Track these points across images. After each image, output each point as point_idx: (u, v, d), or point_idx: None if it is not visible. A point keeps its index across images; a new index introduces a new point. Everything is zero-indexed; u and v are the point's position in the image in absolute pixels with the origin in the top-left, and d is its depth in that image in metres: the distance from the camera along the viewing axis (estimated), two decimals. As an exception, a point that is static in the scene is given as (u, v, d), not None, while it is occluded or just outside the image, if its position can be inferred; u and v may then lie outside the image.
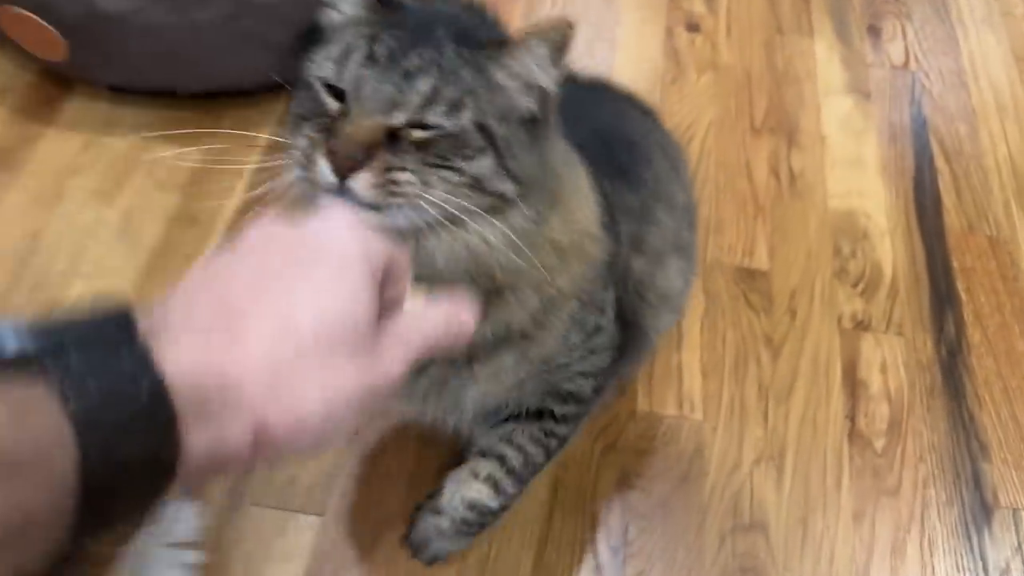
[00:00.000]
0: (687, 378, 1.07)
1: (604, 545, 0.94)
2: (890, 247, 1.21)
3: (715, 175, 1.27)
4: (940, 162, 1.31)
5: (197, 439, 0.34)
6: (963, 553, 0.94)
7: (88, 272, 1.14)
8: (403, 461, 0.98)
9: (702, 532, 0.95)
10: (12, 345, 0.33)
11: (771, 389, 1.06)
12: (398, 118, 0.55)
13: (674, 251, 0.86)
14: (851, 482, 0.99)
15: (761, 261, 1.19)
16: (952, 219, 1.24)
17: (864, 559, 0.94)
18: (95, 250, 1.17)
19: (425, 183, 0.56)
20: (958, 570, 0.93)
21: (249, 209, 1.21)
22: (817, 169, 1.29)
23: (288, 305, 0.37)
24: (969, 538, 0.95)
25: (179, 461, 0.34)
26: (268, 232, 0.41)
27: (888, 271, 1.18)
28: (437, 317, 0.44)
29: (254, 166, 1.31)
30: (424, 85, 0.56)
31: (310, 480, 0.97)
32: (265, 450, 0.36)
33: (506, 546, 0.93)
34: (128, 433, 0.32)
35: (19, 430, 0.29)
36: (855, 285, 1.17)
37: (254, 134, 1.27)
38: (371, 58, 0.56)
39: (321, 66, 0.58)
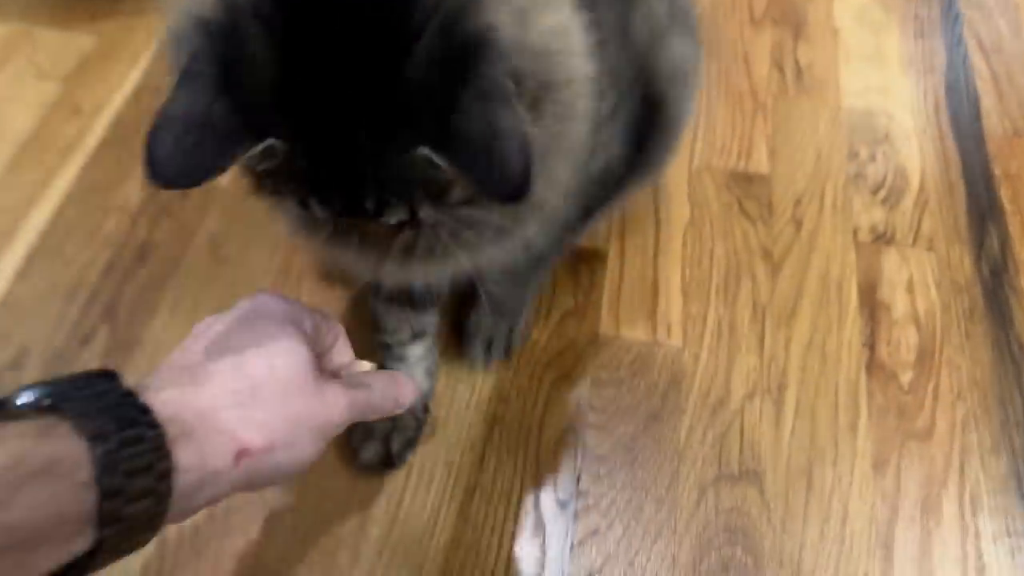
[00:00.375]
0: (664, 297, 0.86)
1: (549, 497, 0.73)
2: (917, 151, 0.99)
3: (706, 68, 1.06)
4: (977, 60, 1.10)
5: (186, 455, 0.40)
6: (1015, 514, 0.72)
7: (-63, 165, 0.94)
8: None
9: (676, 482, 0.74)
10: (24, 398, 0.39)
11: (769, 310, 0.85)
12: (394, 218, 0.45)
13: (672, 23, 0.66)
14: (870, 423, 0.78)
15: (760, 164, 0.97)
16: (993, 122, 1.03)
17: (886, 518, 0.72)
18: (-51, 142, 0.97)
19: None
20: (1008, 534, 0.72)
21: (142, 98, 1.00)
22: (829, 64, 1.08)
23: (240, 357, 0.45)
24: (1022, 495, 0.74)
25: (173, 472, 0.39)
26: (211, 319, 0.49)
27: (915, 178, 0.97)
28: (379, 389, 0.53)
29: (152, 52, 1.11)
30: (396, 211, 0.43)
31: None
32: (247, 466, 0.43)
33: (422, 495, 0.72)
34: (128, 448, 0.38)
35: (46, 446, 0.36)
36: (875, 192, 0.95)
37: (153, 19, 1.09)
38: (328, 223, 0.49)
39: (280, 187, 0.44)
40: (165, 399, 0.41)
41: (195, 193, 0.92)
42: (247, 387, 0.44)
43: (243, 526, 0.70)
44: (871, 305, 0.86)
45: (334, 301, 0.84)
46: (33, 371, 0.78)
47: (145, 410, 0.39)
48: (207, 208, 0.90)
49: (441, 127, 0.38)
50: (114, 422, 0.38)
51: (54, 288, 0.84)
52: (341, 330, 0.54)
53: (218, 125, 0.37)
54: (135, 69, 1.04)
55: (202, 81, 0.37)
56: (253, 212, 0.90)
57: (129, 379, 0.76)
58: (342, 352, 0.54)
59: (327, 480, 0.73)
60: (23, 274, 0.85)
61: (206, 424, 0.42)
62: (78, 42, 1.07)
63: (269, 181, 0.43)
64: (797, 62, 1.08)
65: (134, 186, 0.92)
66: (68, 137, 0.97)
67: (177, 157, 0.37)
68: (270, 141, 0.39)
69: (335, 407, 0.48)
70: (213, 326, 0.48)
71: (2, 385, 0.77)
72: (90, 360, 0.79)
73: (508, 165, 0.38)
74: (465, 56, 0.38)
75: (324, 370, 0.51)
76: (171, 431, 0.39)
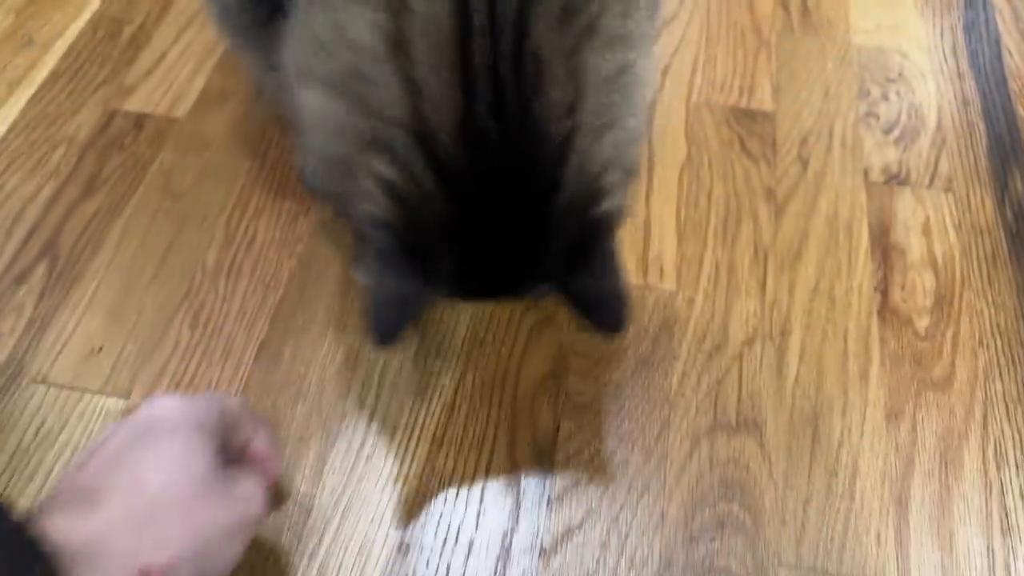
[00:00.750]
0: (657, 238, 0.79)
1: (525, 447, 0.65)
2: (934, 90, 0.92)
3: (706, 3, 0.99)
4: (997, -2, 1.02)
5: None
6: (1044, 469, 0.66)
7: None
8: (251, 331, 0.71)
9: (667, 432, 0.66)
10: None
11: (772, 253, 0.77)
12: None
13: None
14: (883, 371, 0.70)
15: (763, 101, 0.90)
16: (1016, 62, 0.95)
17: (901, 472, 0.65)
18: None
19: None
20: (1038, 492, 0.65)
21: (98, 28, 0.93)
22: (837, 2, 1.00)
23: (133, 475, 0.44)
24: (1051, 450, 0.67)
25: None
26: (110, 429, 0.48)
27: (931, 118, 0.89)
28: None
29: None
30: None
31: (118, 353, 0.69)
32: None
33: (383, 445, 0.65)
34: None
35: None
36: (888, 132, 0.88)
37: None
38: None
39: None
40: (59, 525, 0.41)
41: (149, 126, 0.84)
42: (143, 505, 0.43)
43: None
44: (883, 248, 0.78)
45: (296, 239, 0.77)
46: (-37, 310, 0.71)
47: (36, 542, 0.39)
48: (162, 142, 0.83)
49: (568, 283, 0.51)
50: (4, 557, 0.37)
51: (-9, 223, 0.77)
52: (243, 406, 0.54)
53: (413, 297, 0.51)
54: None
55: (396, 273, 0.50)
56: (211, 145, 0.83)
57: (67, 318, 0.69)
58: (243, 426, 0.53)
59: (277, 427, 0.66)
60: (-42, 209, 0.79)
61: (102, 548, 0.41)
62: (34, -27, 1.01)
63: None
64: (803, 0, 1.00)
65: (85, 118, 0.85)
66: (17, 68, 0.90)
67: (391, 323, 0.51)
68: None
69: (251, 502, 0.48)
70: (109, 440, 0.47)
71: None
72: (26, 299, 0.72)
73: (612, 317, 0.52)
74: (591, 236, 0.49)
75: (242, 459, 0.52)
76: (65, 559, 0.39)
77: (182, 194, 0.80)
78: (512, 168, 0.45)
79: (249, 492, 0.48)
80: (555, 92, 0.44)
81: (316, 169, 0.55)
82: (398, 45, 0.43)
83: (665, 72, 0.92)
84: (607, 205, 0.49)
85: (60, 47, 0.92)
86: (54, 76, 0.89)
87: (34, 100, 0.87)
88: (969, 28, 0.99)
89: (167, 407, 0.48)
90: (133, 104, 0.87)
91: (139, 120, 0.85)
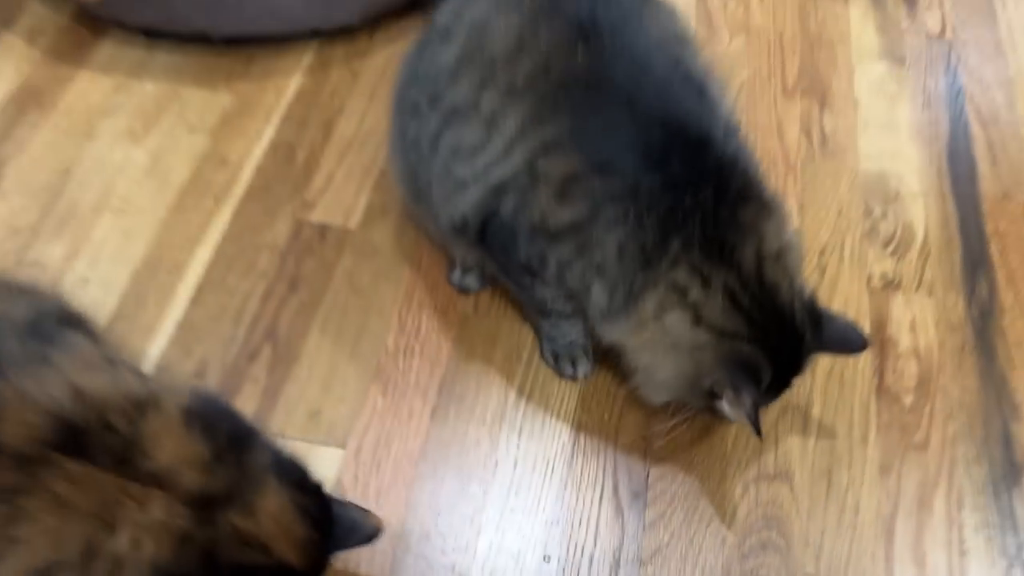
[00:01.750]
0: (713, 330, 1.06)
1: (625, 488, 0.93)
2: (923, 209, 1.19)
3: (745, 134, 1.26)
4: (976, 129, 1.29)
5: None
6: (992, 510, 0.92)
7: (117, 207, 1.15)
8: (425, 398, 0.98)
9: (725, 479, 0.94)
10: None
11: (798, 343, 1.05)
12: None
13: None
14: (878, 436, 0.98)
15: (791, 219, 1.17)
16: (987, 185, 1.22)
17: (889, 511, 0.92)
18: (124, 186, 1.17)
19: None
20: (986, 526, 0.91)
21: (278, 151, 1.21)
22: (849, 131, 1.28)
23: None
24: (997, 496, 0.94)
25: None
26: None
27: (920, 233, 1.17)
28: None
29: (282, 111, 1.32)
30: None
31: (332, 414, 0.97)
32: None
33: (526, 483, 0.93)
34: None
35: None
36: (886, 245, 1.15)
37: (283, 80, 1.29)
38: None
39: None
40: None
41: (331, 235, 1.12)
42: None
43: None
44: (880, 341, 1.06)
45: (449, 326, 1.04)
46: (213, 379, 0.99)
47: None
48: (343, 248, 1.11)
49: (824, 341, 0.87)
50: None
51: (222, 312, 1.05)
52: None
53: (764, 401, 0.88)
54: (268, 125, 1.25)
55: (756, 396, 0.83)
56: (379, 252, 1.11)
57: (294, 389, 0.93)
58: None
59: (445, 474, 0.93)
60: (196, 300, 1.06)
61: None
62: (219, 99, 1.28)
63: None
64: (823, 130, 1.27)
65: (281, 229, 1.13)
66: (219, 184, 1.18)
67: (759, 422, 0.84)
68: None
69: None
70: None
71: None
72: (259, 373, 1.00)
73: (859, 337, 0.90)
74: (815, 316, 0.86)
75: None
76: None
77: (363, 291, 1.07)
78: (785, 325, 0.83)
79: None
80: (785, 290, 0.84)
81: (658, 391, 0.90)
82: (699, 320, 0.81)
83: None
84: (807, 299, 0.87)
85: (250, 166, 1.20)
86: (249, 192, 1.17)
87: (237, 212, 1.15)
88: (953, 155, 1.26)
89: None
90: (316, 216, 1.14)
91: (322, 230, 1.13)
